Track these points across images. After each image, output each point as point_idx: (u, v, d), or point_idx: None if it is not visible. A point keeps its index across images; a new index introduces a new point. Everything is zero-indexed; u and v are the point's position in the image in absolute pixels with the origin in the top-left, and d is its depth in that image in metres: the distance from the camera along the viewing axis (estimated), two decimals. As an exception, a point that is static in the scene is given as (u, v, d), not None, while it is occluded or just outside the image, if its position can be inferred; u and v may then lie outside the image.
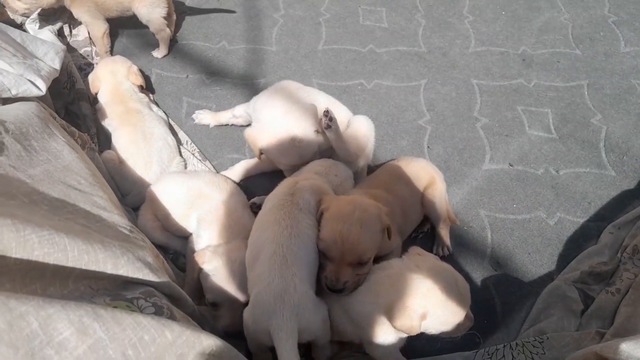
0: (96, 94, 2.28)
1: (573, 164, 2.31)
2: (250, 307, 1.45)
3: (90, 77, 2.32)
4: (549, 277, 1.95)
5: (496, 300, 1.90)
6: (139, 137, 2.10)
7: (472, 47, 2.85)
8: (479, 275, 1.95)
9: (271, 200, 1.69)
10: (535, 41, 2.89)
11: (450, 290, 1.40)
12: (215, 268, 1.64)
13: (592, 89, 2.64)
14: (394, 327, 1.42)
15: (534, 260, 2.00)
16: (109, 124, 2.20)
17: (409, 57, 2.77)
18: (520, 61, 2.77)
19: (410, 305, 1.38)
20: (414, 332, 1.40)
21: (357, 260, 1.51)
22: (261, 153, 2.01)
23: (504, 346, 1.71)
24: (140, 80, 2.32)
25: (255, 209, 1.99)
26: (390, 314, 1.41)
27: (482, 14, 3.05)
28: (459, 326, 1.44)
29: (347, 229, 1.50)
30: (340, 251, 1.50)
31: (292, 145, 1.95)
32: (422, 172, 1.98)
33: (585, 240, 2.05)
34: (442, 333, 1.45)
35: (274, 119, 1.99)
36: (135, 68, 2.35)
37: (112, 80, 2.26)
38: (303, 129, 1.95)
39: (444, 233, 1.99)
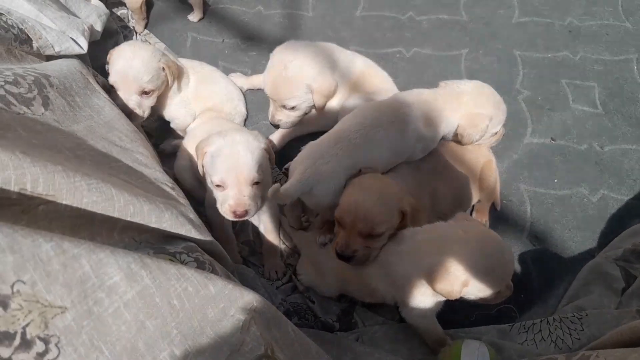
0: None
1: (619, 140, 2.23)
2: (299, 154, 1.70)
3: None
4: (589, 254, 1.90)
5: (534, 275, 1.86)
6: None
7: (515, 17, 2.74)
8: (517, 249, 1.92)
9: (382, 102, 1.82)
10: (582, 12, 2.76)
11: (496, 259, 1.37)
12: (218, 148, 1.59)
13: (642, 64, 2.52)
14: (434, 290, 1.40)
15: (574, 236, 1.95)
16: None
17: (450, 26, 2.68)
18: (566, 33, 2.65)
19: (454, 271, 1.36)
20: (453, 297, 1.38)
21: (368, 231, 1.49)
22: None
23: (541, 321, 1.69)
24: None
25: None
26: (431, 277, 1.39)
27: (527, -17, 2.92)
28: (498, 294, 1.41)
29: (362, 197, 1.50)
30: (353, 218, 1.50)
31: (279, 78, 1.92)
32: (480, 152, 1.92)
33: (629, 218, 1.98)
34: (480, 299, 1.43)
35: (289, 56, 1.94)
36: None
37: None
38: (298, 76, 1.91)
39: (484, 208, 1.95)
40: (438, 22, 2.70)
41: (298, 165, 1.62)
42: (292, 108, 1.97)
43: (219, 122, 2.03)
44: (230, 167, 1.56)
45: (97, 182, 1.02)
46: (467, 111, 1.79)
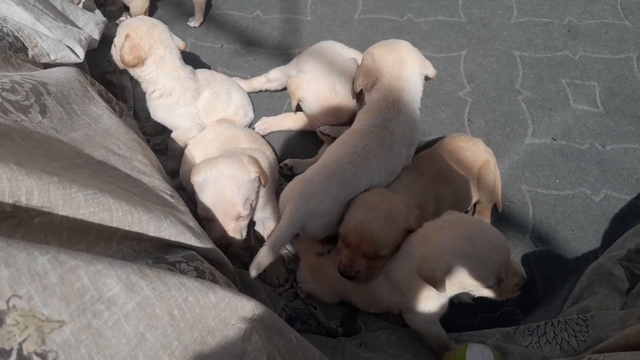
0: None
1: (621, 139, 2.21)
2: (287, 187, 1.63)
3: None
4: (593, 255, 1.88)
5: (537, 276, 1.84)
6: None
7: (514, 17, 2.73)
8: (519, 251, 1.90)
9: (363, 121, 1.69)
10: (582, 11, 2.75)
11: (477, 240, 1.32)
12: (205, 180, 1.59)
13: (643, 62, 2.51)
14: (420, 277, 1.37)
15: (578, 237, 1.93)
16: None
17: (449, 27, 2.68)
18: (565, 32, 2.65)
19: (435, 257, 1.33)
20: (439, 286, 1.33)
21: (373, 253, 1.48)
22: (298, 105, 2.03)
23: (546, 323, 1.67)
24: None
25: (287, 170, 2.04)
26: (418, 269, 1.36)
27: (525, -17, 2.91)
28: (506, 285, 1.37)
29: (369, 219, 1.46)
30: (359, 240, 1.47)
31: (331, 98, 1.93)
32: (478, 154, 1.88)
33: (632, 218, 1.96)
34: (487, 290, 1.38)
35: (318, 71, 1.96)
36: None
37: None
38: (343, 85, 1.94)
39: (486, 209, 1.93)
40: (437, 24, 2.69)
41: (288, 203, 1.54)
42: None
43: (224, 128, 2.04)
44: (216, 202, 1.59)
45: (94, 192, 1.01)
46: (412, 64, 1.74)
